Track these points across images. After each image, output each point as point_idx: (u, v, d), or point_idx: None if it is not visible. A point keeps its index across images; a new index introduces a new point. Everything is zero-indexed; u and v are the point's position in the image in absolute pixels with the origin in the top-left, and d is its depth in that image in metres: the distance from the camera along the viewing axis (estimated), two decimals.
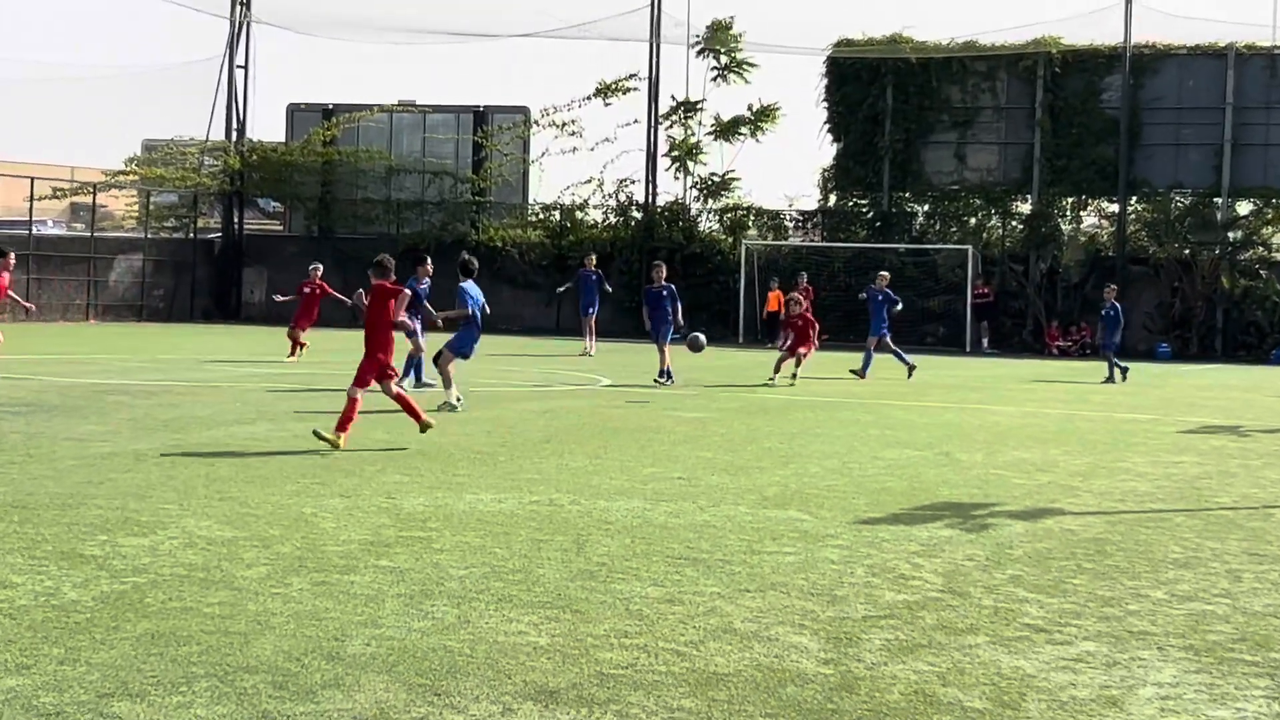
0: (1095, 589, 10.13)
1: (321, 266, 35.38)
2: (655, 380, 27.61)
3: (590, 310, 39.39)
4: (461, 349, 21.79)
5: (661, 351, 27.97)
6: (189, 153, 58.65)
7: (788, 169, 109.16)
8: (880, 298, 33.40)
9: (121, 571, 9.65)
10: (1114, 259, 50.47)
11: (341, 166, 57.83)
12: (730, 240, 54.31)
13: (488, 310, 22.44)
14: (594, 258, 41.37)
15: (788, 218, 55.58)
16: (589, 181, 56.44)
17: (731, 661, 7.93)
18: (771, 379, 29.10)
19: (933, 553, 11.26)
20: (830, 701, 7.27)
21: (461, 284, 21.81)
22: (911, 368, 32.31)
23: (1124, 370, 33.59)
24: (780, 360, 29.81)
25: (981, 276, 50.91)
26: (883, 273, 34.99)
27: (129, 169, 59.47)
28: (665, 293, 28.48)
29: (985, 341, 50.19)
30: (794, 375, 29.63)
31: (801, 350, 30.10)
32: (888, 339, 33.19)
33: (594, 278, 39.71)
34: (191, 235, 58.43)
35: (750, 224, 55.44)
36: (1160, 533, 12.59)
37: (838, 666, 7.91)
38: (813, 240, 54.63)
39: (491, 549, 10.84)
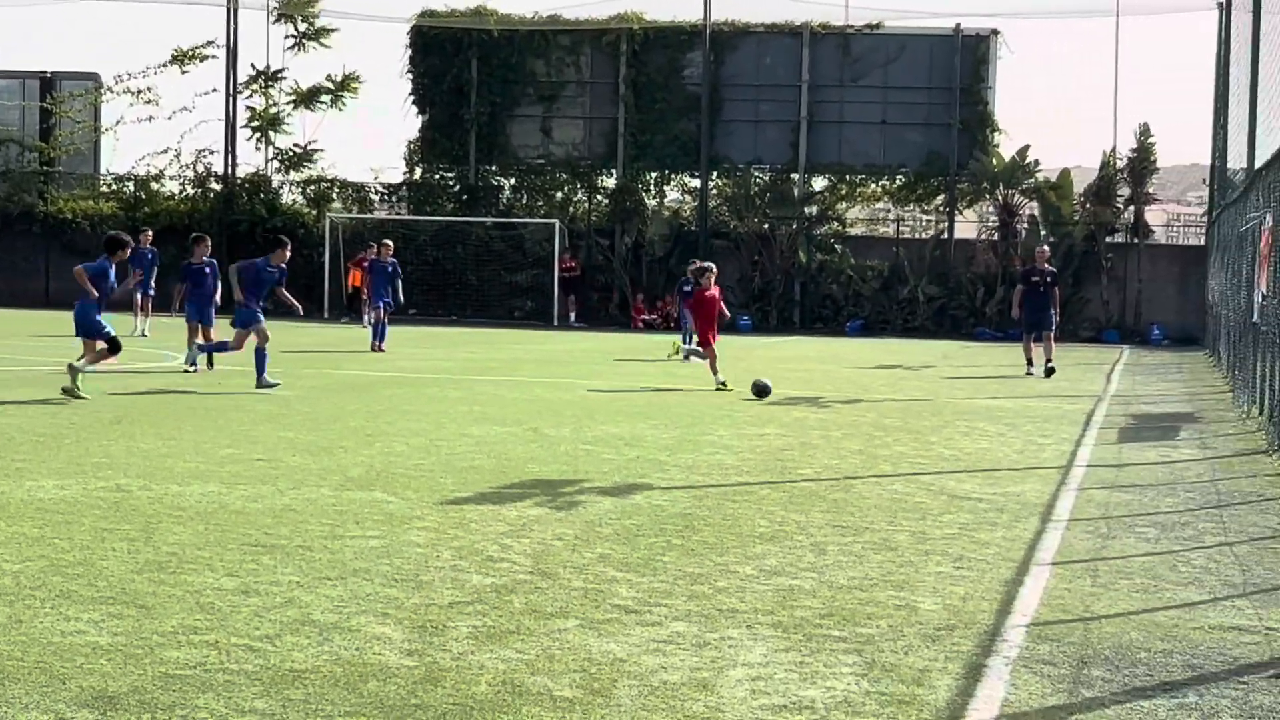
0: (684, 566, 9.99)
1: None
2: (186, 368, 24.89)
3: (147, 288, 37.19)
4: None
5: (204, 332, 25.67)
6: None
7: (375, 141, 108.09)
8: (390, 269, 33.36)
9: None
10: (697, 233, 51.29)
11: None
12: (314, 213, 53.30)
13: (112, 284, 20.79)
14: (150, 234, 39.50)
15: (373, 190, 54.82)
16: (165, 151, 54.60)
17: (310, 656, 7.47)
18: (722, 383, 24.37)
19: (521, 533, 10.97)
20: (414, 696, 6.88)
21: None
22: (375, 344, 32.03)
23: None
24: (710, 358, 25.09)
25: (568, 250, 51.09)
26: (386, 241, 34.99)
27: None
28: (208, 269, 26.61)
29: (573, 315, 50.43)
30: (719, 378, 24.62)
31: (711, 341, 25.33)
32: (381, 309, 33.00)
33: (149, 255, 37.94)
34: None
35: (335, 196, 54.49)
36: (746, 506, 12.58)
37: (423, 658, 7.52)
38: (399, 213, 54.00)
39: (51, 540, 10.10)
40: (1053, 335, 30.46)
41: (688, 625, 8.39)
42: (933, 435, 18.54)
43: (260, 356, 22.05)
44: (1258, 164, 23.54)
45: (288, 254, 22.96)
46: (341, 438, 16.38)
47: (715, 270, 26.69)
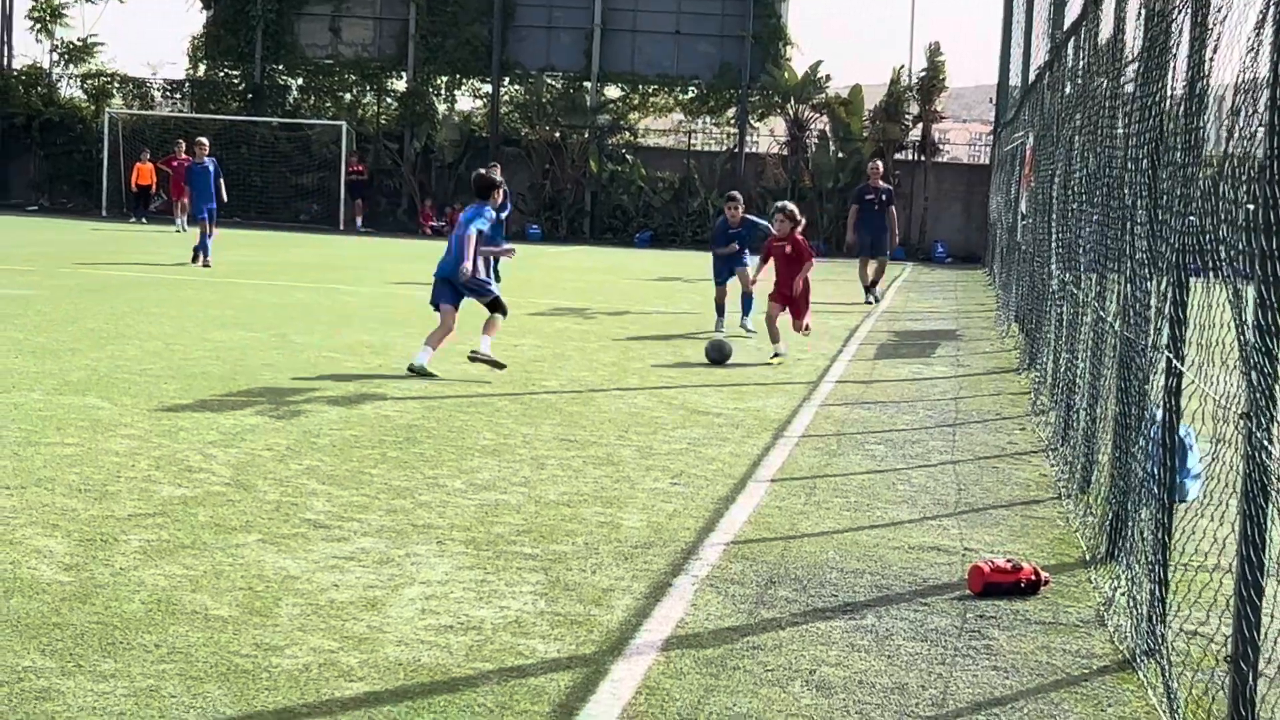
0: (392, 479, 9.69)
1: None
2: None
3: None
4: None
5: None
6: None
7: (160, 36, 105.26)
8: (210, 169, 30.57)
9: None
10: (488, 140, 50.67)
11: None
12: (93, 109, 51.72)
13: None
14: None
15: (155, 87, 53.31)
16: None
17: None
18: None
19: (231, 442, 10.59)
20: (58, 614, 6.52)
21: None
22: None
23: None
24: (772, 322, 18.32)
25: (356, 154, 50.17)
26: (200, 140, 32.44)
27: None
28: None
29: (359, 220, 49.58)
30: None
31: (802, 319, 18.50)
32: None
33: None
34: None
35: (115, 92, 52.89)
36: (477, 418, 12.30)
37: (80, 573, 7.15)
38: (182, 111, 52.59)
39: None
40: (886, 260, 28.49)
41: (376, 541, 8.11)
42: (689, 348, 18.38)
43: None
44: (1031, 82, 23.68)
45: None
46: (74, 339, 15.79)
47: (794, 215, 18.73)
